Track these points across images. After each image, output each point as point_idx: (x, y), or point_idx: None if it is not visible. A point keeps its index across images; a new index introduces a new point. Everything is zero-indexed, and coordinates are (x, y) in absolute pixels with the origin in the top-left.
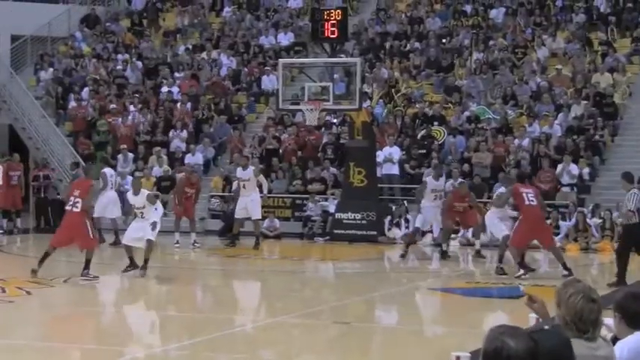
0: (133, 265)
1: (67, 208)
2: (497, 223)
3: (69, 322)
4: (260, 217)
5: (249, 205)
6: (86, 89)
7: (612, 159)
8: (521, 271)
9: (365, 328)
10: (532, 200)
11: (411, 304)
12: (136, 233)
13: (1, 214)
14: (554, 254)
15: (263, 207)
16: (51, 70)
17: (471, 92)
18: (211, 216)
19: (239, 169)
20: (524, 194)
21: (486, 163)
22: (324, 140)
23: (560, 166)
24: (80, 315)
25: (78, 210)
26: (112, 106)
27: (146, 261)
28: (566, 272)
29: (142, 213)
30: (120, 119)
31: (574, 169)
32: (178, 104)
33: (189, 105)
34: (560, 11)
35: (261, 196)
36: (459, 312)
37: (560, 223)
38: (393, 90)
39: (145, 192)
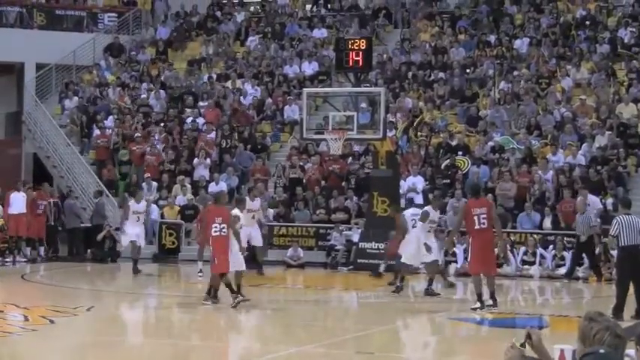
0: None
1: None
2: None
3: (91, 351)
4: (262, 244)
5: (254, 232)
6: (110, 118)
7: (636, 189)
8: (478, 304)
9: (388, 358)
10: (483, 223)
11: (435, 334)
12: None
13: (25, 242)
14: (488, 282)
15: (286, 236)
16: (75, 98)
17: (494, 122)
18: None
19: (247, 199)
20: (475, 216)
21: (511, 193)
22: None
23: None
24: (103, 344)
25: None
26: (137, 134)
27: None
28: (490, 302)
29: None
30: (144, 148)
31: (593, 201)
32: (202, 133)
33: (213, 134)
34: (584, 42)
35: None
36: (481, 342)
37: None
38: (414, 119)
39: None
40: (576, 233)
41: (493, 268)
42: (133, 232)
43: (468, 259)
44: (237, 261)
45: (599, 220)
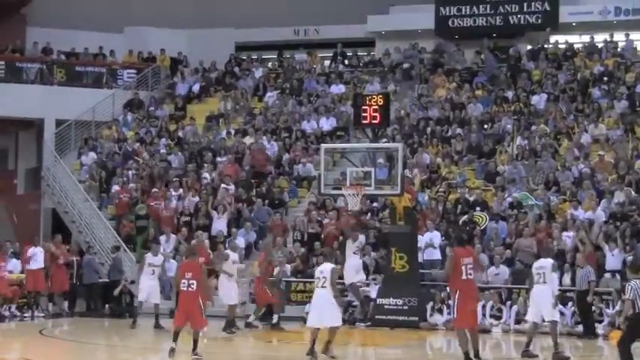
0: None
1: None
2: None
3: None
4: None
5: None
6: (129, 173)
7: None
8: None
9: None
10: (470, 274)
11: None
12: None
13: (47, 297)
14: (473, 339)
15: (304, 292)
16: (94, 154)
17: (513, 178)
18: (252, 300)
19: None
20: (462, 266)
21: (533, 250)
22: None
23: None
24: None
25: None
26: (154, 190)
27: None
28: None
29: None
30: (162, 203)
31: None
32: (220, 188)
33: (231, 189)
34: (602, 98)
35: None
36: None
37: (604, 310)
38: (431, 175)
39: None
40: (576, 288)
41: (477, 323)
42: (147, 290)
43: (454, 313)
44: (332, 316)
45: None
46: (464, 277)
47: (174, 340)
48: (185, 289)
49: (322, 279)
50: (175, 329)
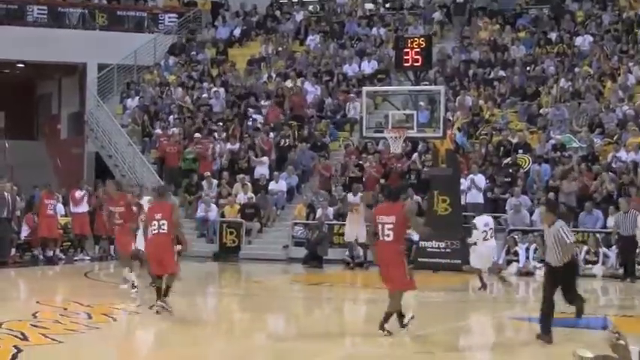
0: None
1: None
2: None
3: (153, 349)
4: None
5: None
6: (172, 117)
7: None
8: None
9: (449, 358)
10: (387, 235)
11: (496, 333)
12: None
13: (94, 239)
14: (391, 299)
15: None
16: (137, 98)
17: (556, 120)
18: (295, 244)
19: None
20: (379, 225)
21: (577, 192)
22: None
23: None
24: (165, 342)
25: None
26: (197, 135)
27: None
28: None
29: None
30: (204, 147)
31: None
32: (262, 132)
33: (273, 133)
34: None
35: None
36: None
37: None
38: (474, 117)
39: None
40: (622, 233)
41: (399, 284)
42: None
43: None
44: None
45: None
46: (380, 237)
47: (159, 296)
48: (156, 231)
49: (490, 231)
50: (157, 283)
